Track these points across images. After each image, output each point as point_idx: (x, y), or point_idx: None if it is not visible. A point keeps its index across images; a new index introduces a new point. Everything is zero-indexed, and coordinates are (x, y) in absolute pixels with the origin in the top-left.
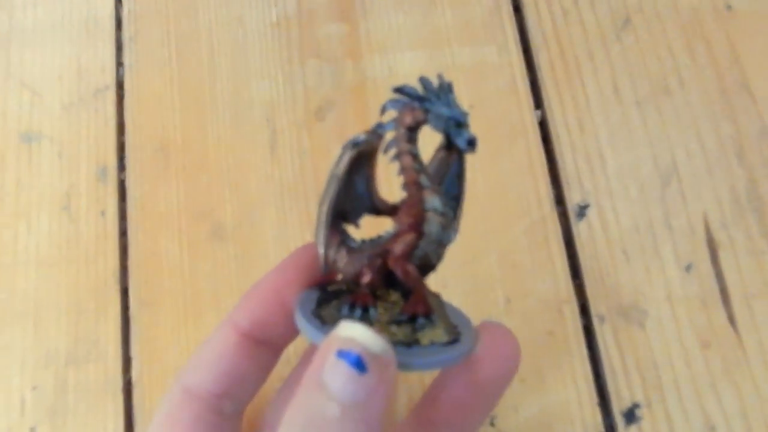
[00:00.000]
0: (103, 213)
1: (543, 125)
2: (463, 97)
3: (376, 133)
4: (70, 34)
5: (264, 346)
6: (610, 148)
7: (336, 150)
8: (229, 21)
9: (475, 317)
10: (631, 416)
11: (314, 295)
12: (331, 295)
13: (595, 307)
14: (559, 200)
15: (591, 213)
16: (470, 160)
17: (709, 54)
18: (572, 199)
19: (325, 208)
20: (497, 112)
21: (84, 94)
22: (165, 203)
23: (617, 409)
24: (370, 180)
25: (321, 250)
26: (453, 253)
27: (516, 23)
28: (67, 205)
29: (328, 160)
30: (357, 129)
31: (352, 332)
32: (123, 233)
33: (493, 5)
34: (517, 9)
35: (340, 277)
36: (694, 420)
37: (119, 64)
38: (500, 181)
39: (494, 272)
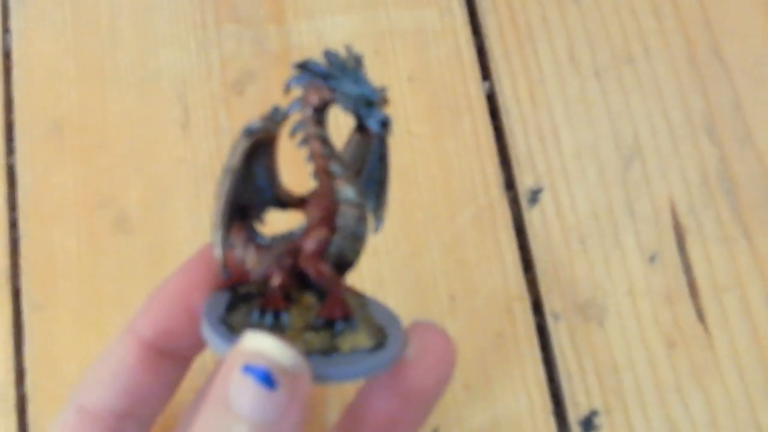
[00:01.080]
0: None
1: (491, 99)
2: (402, 68)
3: (274, 118)
4: None
5: (170, 358)
6: (566, 125)
7: None
8: None
9: (416, 318)
10: (588, 425)
11: (224, 298)
12: (241, 299)
13: (549, 304)
14: (509, 184)
15: (544, 198)
16: (409, 139)
17: (677, 17)
18: (524, 182)
19: (220, 206)
20: (440, 84)
21: None
22: (60, 190)
23: (573, 417)
24: (271, 170)
25: (218, 252)
26: (390, 247)
27: None
28: None
29: None
30: (281, 103)
31: (259, 344)
32: (13, 225)
33: None
34: None
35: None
36: (658, 429)
37: (5, 30)
38: (443, 163)
39: (437, 267)
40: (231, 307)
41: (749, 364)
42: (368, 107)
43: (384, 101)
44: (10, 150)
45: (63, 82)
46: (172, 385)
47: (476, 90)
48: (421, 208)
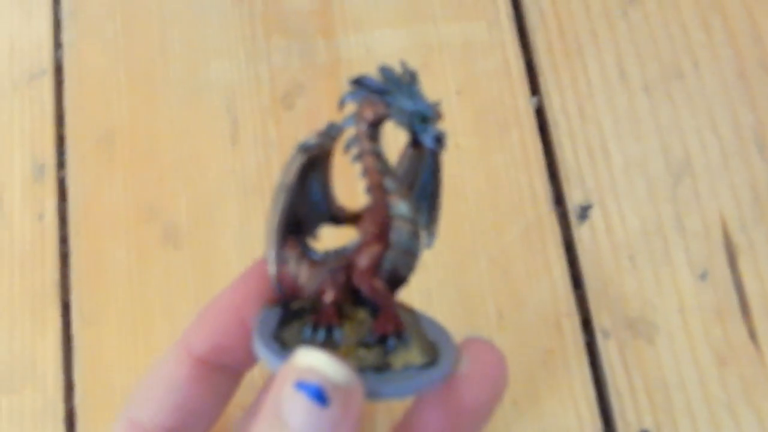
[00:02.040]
0: (40, 216)
1: (540, 113)
2: (450, 81)
3: (329, 134)
4: (0, 10)
5: (222, 372)
6: (616, 140)
7: None
8: None
9: (464, 334)
10: None
11: (276, 314)
12: (294, 314)
13: (599, 321)
14: (558, 199)
15: (594, 214)
16: (457, 153)
17: (727, 31)
18: (573, 198)
19: (275, 222)
20: (488, 98)
21: (17, 79)
22: (110, 203)
23: None
24: (326, 186)
25: (272, 268)
26: (438, 261)
27: None
28: None
29: None
30: (330, 117)
31: (311, 360)
32: (63, 239)
33: None
34: None
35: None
36: None
37: (57, 44)
38: (491, 177)
39: (485, 282)
40: (283, 322)
41: None
42: (423, 123)
43: (439, 117)
44: (61, 164)
45: (113, 94)
46: (223, 400)
47: (525, 104)
48: (468, 221)
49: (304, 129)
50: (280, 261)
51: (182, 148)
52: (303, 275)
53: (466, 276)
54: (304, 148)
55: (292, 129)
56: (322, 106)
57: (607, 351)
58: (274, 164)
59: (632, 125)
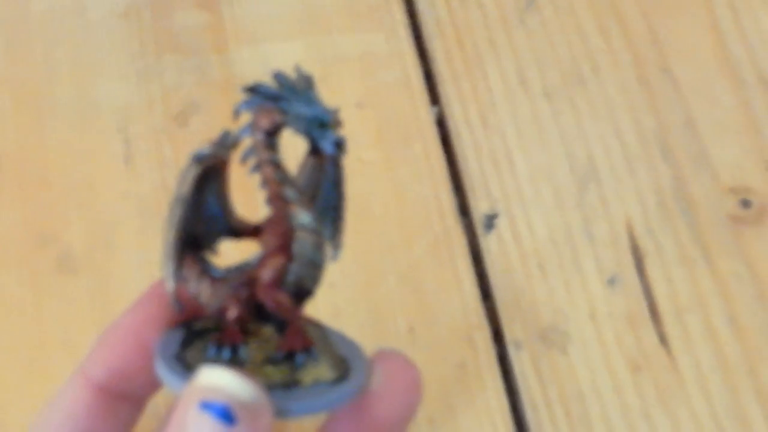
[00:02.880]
0: None
1: (441, 124)
2: (348, 94)
3: (224, 143)
4: None
5: (124, 400)
6: (519, 148)
7: None
8: (67, 9)
9: (374, 350)
10: None
11: (178, 335)
12: (197, 334)
13: (510, 332)
14: (464, 210)
15: (500, 223)
16: (361, 167)
17: (625, 35)
18: (479, 208)
19: (170, 237)
20: (388, 110)
21: None
22: (1, 230)
23: None
24: (223, 198)
25: (170, 286)
26: (345, 277)
27: (405, 6)
28: None
29: None
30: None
31: (215, 378)
32: None
33: None
34: None
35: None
36: None
37: None
38: (396, 190)
39: (394, 297)
40: (186, 343)
41: (715, 386)
42: (321, 129)
43: (338, 122)
44: None
45: None
46: (126, 429)
47: (426, 115)
48: (375, 236)
49: (200, 146)
50: (179, 278)
51: (74, 172)
52: (204, 293)
53: (374, 292)
54: (197, 159)
55: (187, 147)
56: (217, 123)
57: (520, 362)
58: (171, 184)
59: (535, 133)
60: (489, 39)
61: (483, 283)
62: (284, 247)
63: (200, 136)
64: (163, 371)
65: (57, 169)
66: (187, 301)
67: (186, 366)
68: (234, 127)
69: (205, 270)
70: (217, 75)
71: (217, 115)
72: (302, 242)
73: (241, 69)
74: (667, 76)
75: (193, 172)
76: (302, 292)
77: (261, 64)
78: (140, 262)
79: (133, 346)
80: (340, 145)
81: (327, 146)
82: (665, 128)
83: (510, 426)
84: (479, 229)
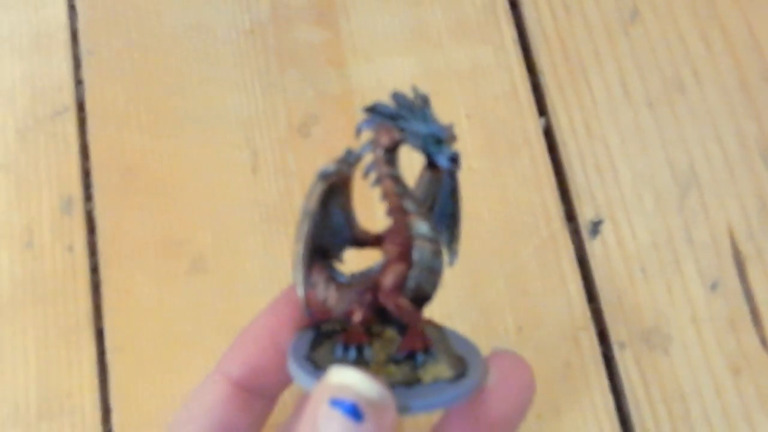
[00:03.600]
0: (70, 248)
1: (548, 133)
2: (459, 105)
3: (347, 160)
4: (20, 50)
5: (258, 395)
6: (623, 156)
7: None
8: (196, 28)
9: (484, 350)
10: None
11: (308, 337)
12: (325, 336)
13: (615, 333)
14: (570, 216)
15: (605, 229)
16: (470, 175)
17: (726, 42)
18: (584, 214)
19: (300, 248)
20: (497, 121)
21: (41, 116)
22: (137, 234)
23: None
24: (347, 210)
25: (300, 292)
26: (456, 281)
27: (513, 20)
28: (30, 241)
29: None
30: (345, 144)
31: (344, 377)
32: (94, 270)
33: (486, 1)
34: (514, 4)
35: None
36: None
37: (78, 81)
38: (504, 197)
39: (503, 299)
40: (315, 344)
41: None
42: (437, 145)
43: (452, 138)
44: (88, 197)
45: (135, 129)
46: (259, 422)
47: (533, 125)
48: (484, 241)
49: (322, 156)
50: (308, 285)
51: (204, 180)
52: (331, 298)
53: (484, 294)
54: (323, 176)
55: (309, 157)
56: (337, 134)
57: (624, 362)
58: (295, 191)
59: (638, 140)
60: (594, 50)
61: (588, 286)
62: (404, 255)
63: (321, 147)
64: (295, 370)
65: (188, 179)
66: (315, 305)
67: (315, 365)
68: (353, 141)
69: (332, 276)
70: (336, 88)
71: (336, 127)
72: (421, 250)
73: (358, 83)
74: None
75: (320, 188)
76: (421, 297)
77: (376, 79)
78: (266, 265)
79: (268, 347)
80: (455, 160)
81: (443, 161)
82: (766, 134)
83: (615, 423)
84: (585, 234)
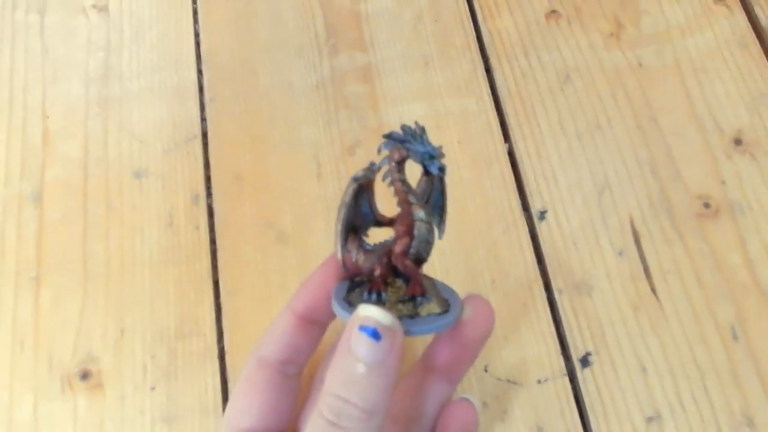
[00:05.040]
0: (197, 227)
1: (511, 154)
2: (453, 136)
3: (371, 169)
4: (165, 96)
5: (314, 324)
6: (560, 169)
7: None
8: (281, 83)
9: (466, 294)
10: (585, 361)
11: (345, 285)
12: (356, 285)
13: (556, 284)
14: (526, 207)
15: (549, 216)
16: (460, 181)
17: (628, 99)
18: (535, 206)
19: (339, 227)
20: (478, 146)
21: (178, 141)
22: (242, 218)
23: (575, 356)
24: (371, 202)
25: (339, 256)
26: (452, 251)
27: (488, 81)
28: (171, 222)
29: None
30: (376, 160)
31: (369, 311)
32: (213, 242)
33: (470, 68)
34: (488, 71)
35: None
36: (630, 363)
37: (203, 118)
38: (483, 196)
39: (482, 261)
40: (350, 290)
41: (686, 320)
42: (431, 159)
43: (441, 155)
44: (209, 194)
45: (240, 149)
46: (316, 341)
47: (501, 148)
48: (470, 224)
49: (362, 167)
50: (344, 251)
51: (286, 183)
52: (360, 260)
53: (470, 258)
54: (354, 179)
55: (355, 168)
56: (372, 154)
57: (562, 303)
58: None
59: (570, 159)
60: (540, 101)
61: (538, 254)
62: (409, 232)
63: (361, 162)
64: (336, 307)
65: (276, 183)
66: (350, 264)
67: (350, 304)
68: (377, 158)
69: (361, 245)
70: (372, 123)
71: (372, 149)
72: (420, 229)
73: (387, 120)
74: (654, 123)
75: (352, 187)
76: (420, 260)
77: (398, 117)
78: (325, 241)
79: (320, 291)
80: (442, 169)
81: (434, 170)
82: (654, 158)
83: (555, 342)
84: (536, 219)
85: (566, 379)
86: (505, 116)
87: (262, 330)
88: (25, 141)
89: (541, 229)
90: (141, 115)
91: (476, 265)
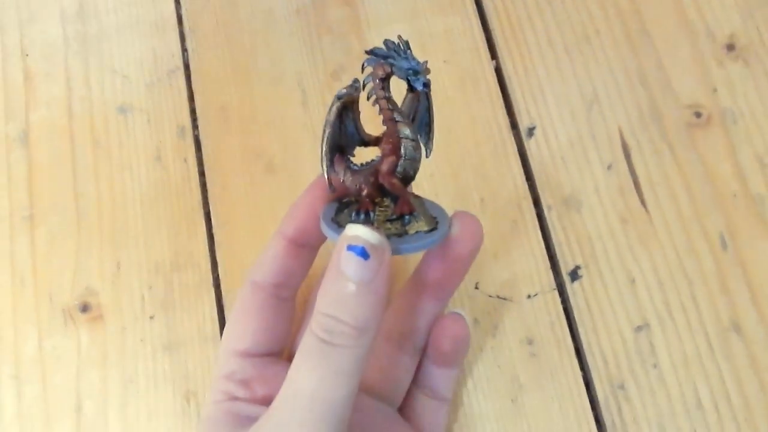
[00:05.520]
0: (185, 160)
1: (498, 72)
2: (439, 55)
3: (354, 86)
4: (145, 30)
5: (306, 248)
6: (548, 84)
7: None
8: (262, 11)
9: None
10: (574, 275)
11: (334, 206)
12: (345, 206)
13: (544, 200)
14: (514, 125)
15: (537, 133)
16: (447, 101)
17: (617, 8)
18: (523, 123)
19: (324, 147)
20: (464, 65)
21: (161, 74)
22: (229, 149)
23: (564, 270)
24: (357, 121)
25: (325, 176)
26: (440, 170)
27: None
28: (158, 156)
29: None
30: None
31: (357, 231)
32: (201, 174)
33: None
34: None
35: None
36: (619, 275)
37: (184, 50)
38: (470, 115)
39: (471, 181)
40: (338, 211)
41: (676, 232)
42: (415, 75)
43: (426, 71)
44: (195, 126)
45: (224, 80)
46: (308, 264)
47: (488, 66)
48: (457, 144)
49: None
50: (331, 172)
51: (273, 113)
52: (348, 180)
53: (458, 179)
54: (338, 97)
55: None
56: (357, 77)
57: (551, 219)
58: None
59: (558, 74)
60: (528, 16)
61: (526, 170)
62: (395, 150)
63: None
64: (325, 228)
65: (261, 111)
66: (338, 184)
67: (338, 225)
68: (361, 76)
69: (348, 165)
70: (356, 47)
71: (357, 72)
72: (406, 147)
73: (371, 43)
74: (645, 34)
75: (336, 105)
76: (407, 178)
77: (381, 39)
78: (314, 168)
79: (309, 214)
80: (427, 85)
81: (419, 86)
82: (643, 69)
83: (545, 257)
84: (524, 136)
85: (556, 293)
86: (492, 33)
87: (254, 259)
88: (6, 82)
89: (530, 146)
90: (121, 49)
91: (465, 184)
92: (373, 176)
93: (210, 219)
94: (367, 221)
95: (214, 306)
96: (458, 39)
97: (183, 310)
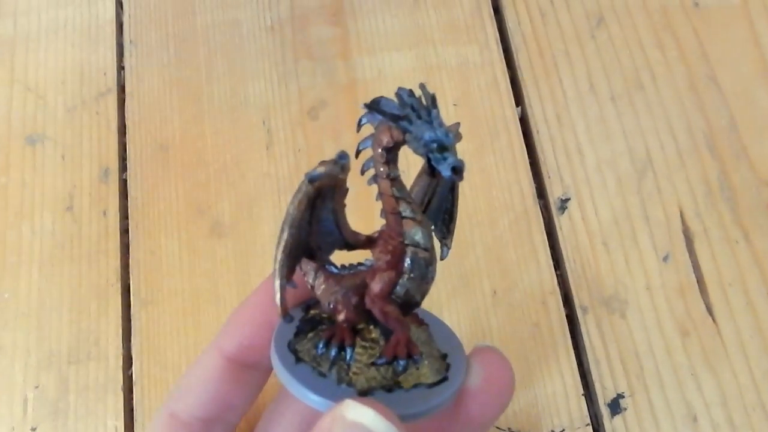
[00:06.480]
0: (104, 212)
1: (523, 121)
2: (448, 95)
3: (338, 162)
4: (73, 38)
5: (251, 369)
6: (588, 142)
7: (330, 148)
8: (225, 24)
9: (464, 310)
10: (615, 406)
11: (293, 325)
12: (310, 323)
13: (578, 298)
14: (541, 194)
15: (571, 206)
16: None
17: (678, 49)
18: (553, 192)
19: (280, 256)
20: (480, 109)
21: (87, 97)
22: (165, 201)
23: (602, 399)
24: (338, 213)
25: (277, 298)
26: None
27: (496, 24)
28: (71, 205)
29: (322, 157)
30: (349, 128)
31: (360, 416)
32: (125, 231)
33: (474, 6)
34: (497, 10)
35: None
36: (676, 409)
37: (121, 67)
38: (484, 176)
39: (481, 265)
40: (300, 330)
41: (754, 350)
42: (441, 152)
43: (458, 139)
44: (123, 167)
45: (167, 110)
46: (254, 391)
47: (511, 113)
48: (466, 215)
49: (328, 137)
50: (285, 290)
51: (225, 156)
52: (318, 288)
53: (465, 261)
54: (310, 179)
55: (317, 137)
56: (341, 118)
57: (586, 324)
58: (303, 167)
59: (602, 130)
60: (564, 50)
61: (555, 256)
62: (395, 263)
63: (327, 128)
64: (277, 364)
65: (212, 154)
66: (304, 287)
67: (296, 356)
68: (353, 125)
69: (323, 266)
70: (343, 78)
71: (342, 111)
72: (415, 258)
73: (362, 73)
74: (713, 83)
75: (305, 193)
76: (409, 305)
77: (377, 70)
78: (275, 231)
79: (259, 324)
80: (457, 170)
81: (445, 171)
82: (711, 128)
83: (576, 379)
84: (554, 210)
85: (589, 430)
86: (518, 71)
87: (186, 354)
88: None
89: (561, 223)
90: (39, 61)
91: (472, 271)
92: (357, 294)
93: (129, 295)
94: (340, 359)
95: (121, 415)
96: (474, 76)
97: (78, 420)
